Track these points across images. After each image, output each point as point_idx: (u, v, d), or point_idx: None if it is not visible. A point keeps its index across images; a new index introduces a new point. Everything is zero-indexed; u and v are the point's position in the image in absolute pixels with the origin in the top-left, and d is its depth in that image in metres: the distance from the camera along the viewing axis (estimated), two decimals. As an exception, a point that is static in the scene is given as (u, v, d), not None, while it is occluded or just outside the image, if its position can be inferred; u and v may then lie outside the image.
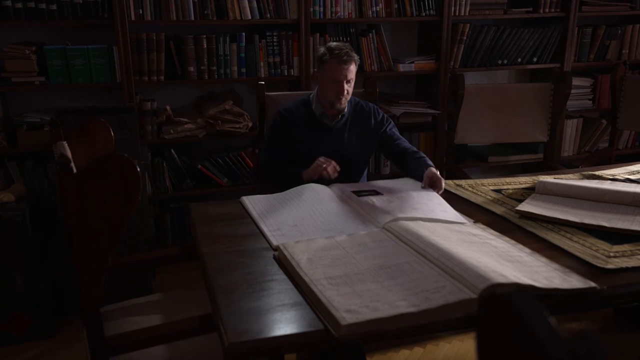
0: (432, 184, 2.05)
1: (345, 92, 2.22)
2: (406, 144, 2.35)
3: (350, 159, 2.33)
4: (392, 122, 2.42)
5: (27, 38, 2.94)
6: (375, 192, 1.99)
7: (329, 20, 3.19)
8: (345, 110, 2.31)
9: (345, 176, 2.26)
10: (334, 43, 2.26)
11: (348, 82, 2.21)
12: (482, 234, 1.65)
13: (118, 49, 2.90)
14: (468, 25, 3.39)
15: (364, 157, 2.43)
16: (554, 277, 1.36)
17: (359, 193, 1.97)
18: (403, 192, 1.98)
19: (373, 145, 2.41)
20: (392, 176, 3.42)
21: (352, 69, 2.21)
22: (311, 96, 2.36)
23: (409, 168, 2.23)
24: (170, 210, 3.23)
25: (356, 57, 2.23)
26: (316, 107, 2.31)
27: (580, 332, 0.59)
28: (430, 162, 2.18)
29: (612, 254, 1.53)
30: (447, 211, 1.83)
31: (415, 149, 2.31)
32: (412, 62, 3.38)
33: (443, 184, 2.05)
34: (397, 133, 2.40)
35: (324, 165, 2.11)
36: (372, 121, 2.37)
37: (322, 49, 2.25)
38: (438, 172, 2.09)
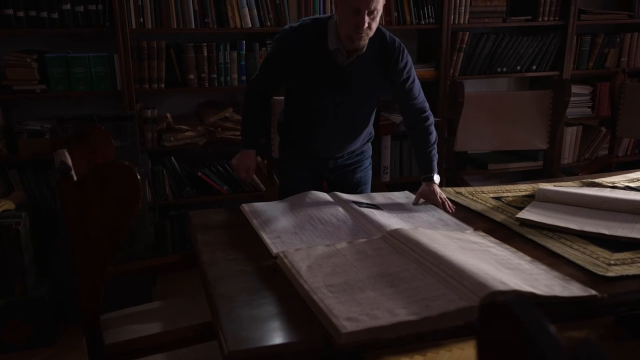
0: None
1: (366, 25, 1.85)
2: (420, 111, 2.12)
3: (356, 105, 2.10)
4: (413, 73, 2.09)
5: (28, 46, 2.95)
6: (376, 207, 1.97)
7: (329, 28, 3.19)
8: (365, 48, 1.97)
9: (348, 125, 2.14)
10: None
11: (371, 13, 1.85)
12: (482, 241, 1.65)
13: (119, 57, 2.91)
14: (467, 33, 3.40)
15: (373, 104, 2.16)
16: (554, 284, 1.36)
17: (359, 204, 1.96)
18: (404, 212, 1.96)
19: (384, 92, 2.14)
20: (392, 183, 3.43)
21: None
22: (329, 23, 1.99)
23: (415, 158, 2.19)
24: (170, 218, 3.23)
25: None
26: (331, 41, 1.98)
27: (580, 340, 0.58)
28: (433, 166, 2.11)
29: (612, 262, 1.52)
30: (449, 225, 1.83)
31: (426, 128, 2.12)
32: (412, 70, 3.39)
33: (445, 204, 1.98)
34: (416, 89, 2.12)
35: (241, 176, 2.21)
36: (391, 65, 2.04)
37: None
38: (437, 189, 2.04)
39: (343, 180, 2.28)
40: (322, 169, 2.26)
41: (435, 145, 2.18)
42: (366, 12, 1.83)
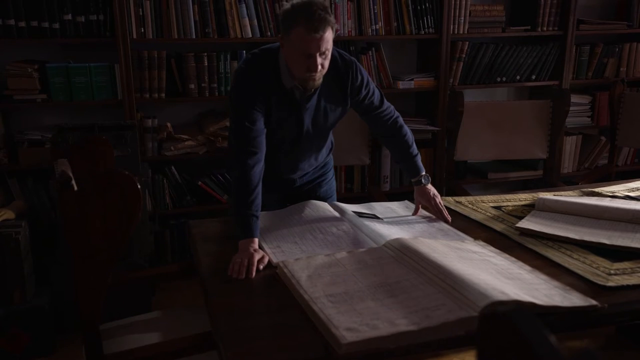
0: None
1: (319, 67, 1.75)
2: (386, 118, 2.04)
3: (319, 131, 2.01)
4: (371, 87, 2.00)
5: (29, 56, 2.96)
6: (376, 217, 1.97)
7: (329, 38, 3.21)
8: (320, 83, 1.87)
9: (311, 148, 2.06)
10: None
11: (323, 54, 1.75)
12: (482, 251, 1.65)
13: (120, 67, 2.92)
14: (467, 43, 3.42)
15: (334, 124, 2.06)
16: (555, 294, 1.36)
17: (359, 214, 1.97)
18: (404, 221, 1.96)
19: (345, 112, 2.04)
20: (392, 192, 3.43)
21: (328, 37, 1.73)
22: (280, 58, 1.86)
23: (397, 162, 2.13)
24: (170, 227, 3.23)
25: (332, 20, 1.74)
26: (286, 80, 1.85)
27: (581, 350, 0.58)
28: (419, 165, 2.06)
29: (612, 272, 1.52)
30: (449, 234, 1.83)
31: (400, 131, 2.05)
32: (412, 80, 3.41)
33: (442, 214, 1.97)
34: (376, 100, 2.03)
35: (240, 269, 1.55)
36: (349, 85, 1.94)
37: (286, 5, 1.76)
38: (431, 190, 2.02)
39: (309, 196, 2.16)
40: (287, 189, 2.16)
41: (414, 144, 2.10)
42: (317, 54, 1.73)
